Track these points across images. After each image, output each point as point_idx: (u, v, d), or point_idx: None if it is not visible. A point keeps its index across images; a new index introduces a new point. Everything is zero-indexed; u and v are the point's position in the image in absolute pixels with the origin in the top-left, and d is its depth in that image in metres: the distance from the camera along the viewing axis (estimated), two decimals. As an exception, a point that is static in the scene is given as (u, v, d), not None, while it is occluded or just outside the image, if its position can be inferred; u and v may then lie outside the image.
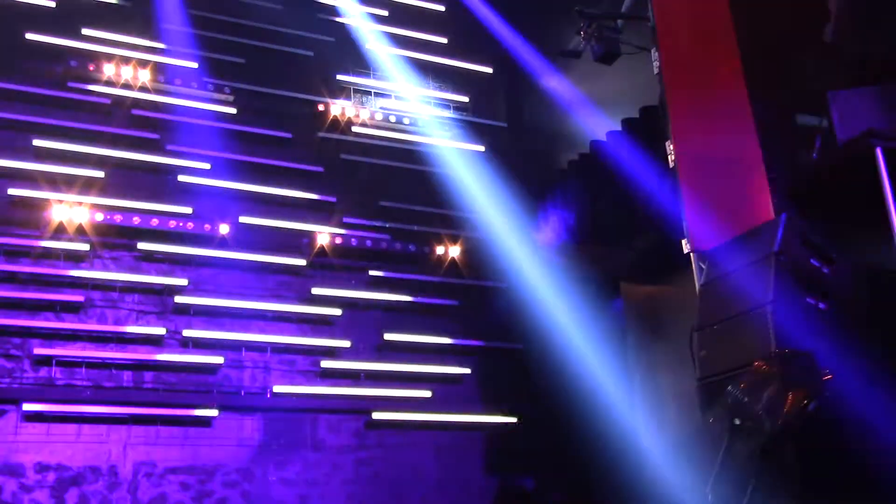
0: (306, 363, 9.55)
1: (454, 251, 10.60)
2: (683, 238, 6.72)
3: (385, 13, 11.39)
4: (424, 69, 11.34)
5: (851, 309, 5.63)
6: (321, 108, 10.64)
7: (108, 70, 9.62)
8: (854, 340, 5.32)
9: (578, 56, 8.90)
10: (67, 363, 8.48)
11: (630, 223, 9.52)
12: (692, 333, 5.93)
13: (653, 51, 7.45)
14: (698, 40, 7.58)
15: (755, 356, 5.01)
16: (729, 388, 4.84)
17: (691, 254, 6.62)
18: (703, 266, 6.37)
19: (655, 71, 7.37)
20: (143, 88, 9.75)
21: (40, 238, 8.72)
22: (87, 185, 9.12)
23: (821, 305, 5.50)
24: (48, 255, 8.74)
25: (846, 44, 7.49)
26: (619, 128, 10.25)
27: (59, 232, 8.81)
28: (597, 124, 10.16)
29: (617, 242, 9.57)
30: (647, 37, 7.76)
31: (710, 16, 7.71)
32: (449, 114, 11.42)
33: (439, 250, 10.56)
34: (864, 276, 6.02)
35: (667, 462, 8.06)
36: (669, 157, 6.98)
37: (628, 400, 9.56)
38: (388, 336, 9.94)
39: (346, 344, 9.73)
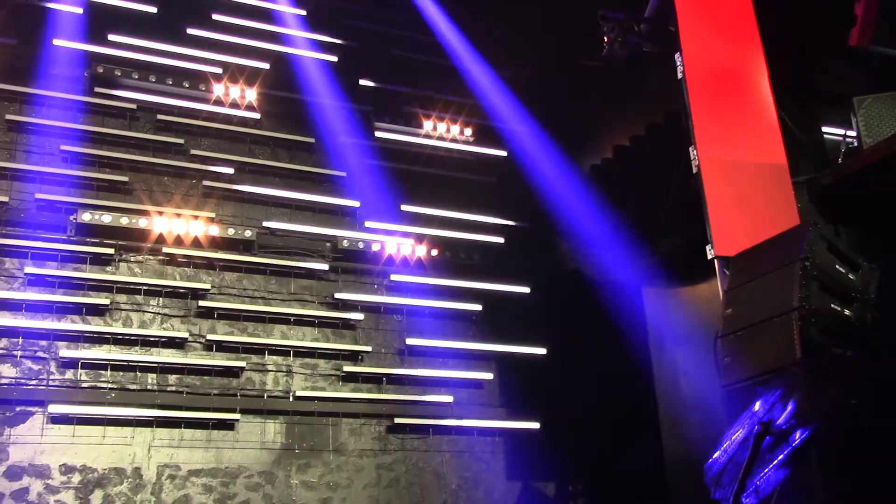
0: (328, 367, 9.58)
1: (477, 256, 10.60)
2: (707, 243, 6.68)
3: (408, 18, 11.40)
4: (447, 74, 11.34)
5: (878, 315, 5.57)
6: (344, 112, 10.66)
7: (134, 75, 9.71)
8: (881, 347, 5.26)
9: (601, 60, 8.87)
10: (93, 365, 8.56)
11: (653, 228, 9.48)
12: (716, 339, 5.90)
13: (676, 55, 7.41)
14: (722, 44, 7.54)
15: (780, 363, 4.97)
16: (753, 395, 4.81)
17: (715, 259, 6.58)
18: (728, 272, 6.33)
19: (679, 75, 7.33)
20: (168, 94, 9.84)
21: (67, 242, 8.82)
22: (112, 190, 9.22)
23: (847, 312, 5.45)
24: (74, 258, 8.84)
25: (871, 48, 7.42)
26: (642, 132, 10.21)
27: (85, 236, 8.90)
28: (620, 129, 10.14)
29: (640, 247, 9.53)
30: (670, 41, 7.73)
31: (734, 19, 7.68)
32: (472, 118, 11.41)
33: (462, 255, 10.56)
34: (892, 282, 5.95)
35: (689, 470, 8.01)
36: (693, 161, 6.95)
37: (651, 406, 9.51)
38: (410, 341, 9.95)
39: (369, 348, 9.76)
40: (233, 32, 10.35)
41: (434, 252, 10.34)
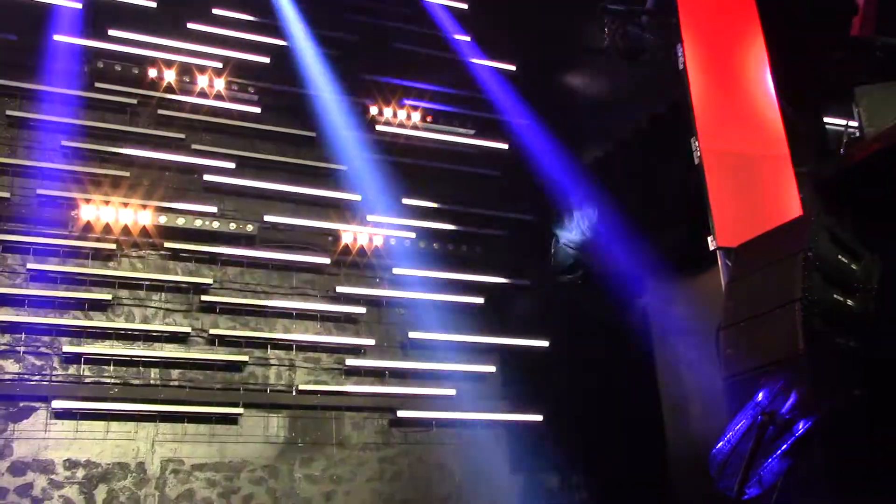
0: (331, 361, 9.60)
1: (479, 249, 10.60)
2: (709, 235, 6.68)
3: (409, 11, 11.38)
4: (448, 67, 11.33)
5: (881, 305, 5.57)
6: (345, 107, 10.65)
7: (134, 70, 9.70)
8: (884, 337, 5.26)
9: (603, 52, 8.86)
10: (96, 361, 8.57)
11: (655, 220, 9.47)
12: (718, 331, 5.90)
13: (678, 46, 7.40)
14: (724, 35, 7.54)
15: (783, 354, 4.97)
16: (756, 386, 4.81)
17: (717, 250, 6.58)
18: (730, 263, 6.33)
19: (680, 66, 7.32)
20: (168, 88, 9.83)
21: (68, 237, 8.82)
22: (113, 185, 9.21)
23: (849, 302, 5.44)
24: (76, 253, 8.84)
25: (873, 37, 7.41)
26: (644, 124, 10.18)
27: (87, 231, 8.90)
28: (621, 121, 10.12)
29: (642, 239, 9.52)
30: (672, 33, 7.71)
31: (735, 10, 7.67)
32: (473, 112, 11.40)
33: (463, 248, 10.56)
34: (895, 272, 5.95)
35: (692, 461, 8.01)
36: (695, 153, 6.94)
37: (653, 398, 9.51)
38: (412, 334, 9.96)
39: (371, 342, 9.77)
40: (233, 27, 10.33)
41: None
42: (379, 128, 10.85)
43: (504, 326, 10.40)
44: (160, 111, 9.76)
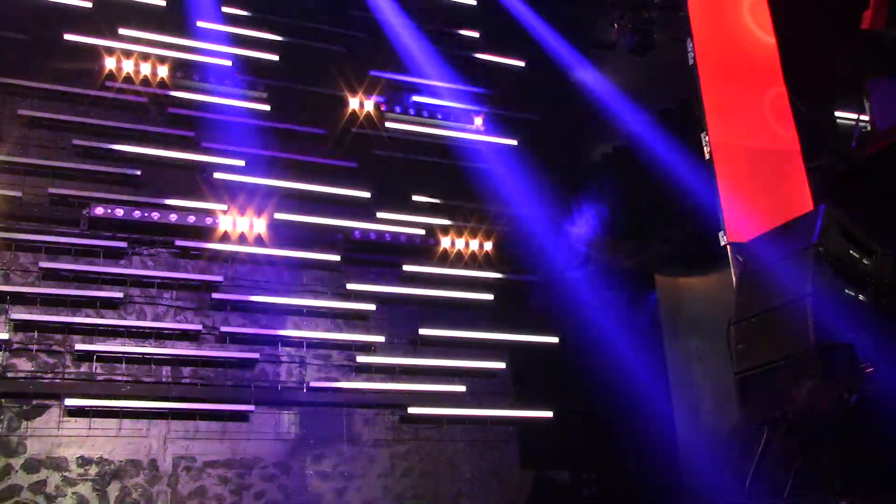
0: (342, 358, 9.60)
1: (488, 246, 10.60)
2: (720, 230, 6.66)
3: (417, 8, 11.37)
4: (457, 63, 11.31)
5: (893, 299, 5.55)
6: (354, 103, 10.66)
7: (145, 69, 9.71)
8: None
9: (612, 48, 8.85)
10: (108, 358, 8.60)
11: (665, 216, 9.45)
12: (729, 326, 5.89)
13: (687, 41, 7.38)
14: (734, 30, 7.51)
15: (794, 349, 4.95)
16: (768, 381, 4.80)
17: (728, 246, 6.57)
18: (740, 258, 6.32)
19: (690, 62, 7.30)
20: (178, 87, 9.84)
21: (80, 236, 8.86)
22: (124, 183, 9.24)
23: (861, 297, 5.42)
24: (88, 252, 8.88)
25: (885, 31, 7.37)
26: (653, 120, 10.17)
27: (98, 229, 8.94)
28: (631, 117, 10.09)
29: (652, 235, 9.51)
30: (681, 28, 7.69)
31: (745, 4, 7.64)
32: (482, 108, 11.39)
33: (473, 245, 10.55)
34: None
35: (703, 456, 8.00)
36: (705, 148, 6.93)
37: (663, 394, 9.50)
38: (422, 331, 9.96)
39: (381, 339, 9.77)
40: (242, 25, 10.34)
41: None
42: (388, 124, 10.84)
43: (514, 323, 10.39)
44: (170, 109, 9.77)
